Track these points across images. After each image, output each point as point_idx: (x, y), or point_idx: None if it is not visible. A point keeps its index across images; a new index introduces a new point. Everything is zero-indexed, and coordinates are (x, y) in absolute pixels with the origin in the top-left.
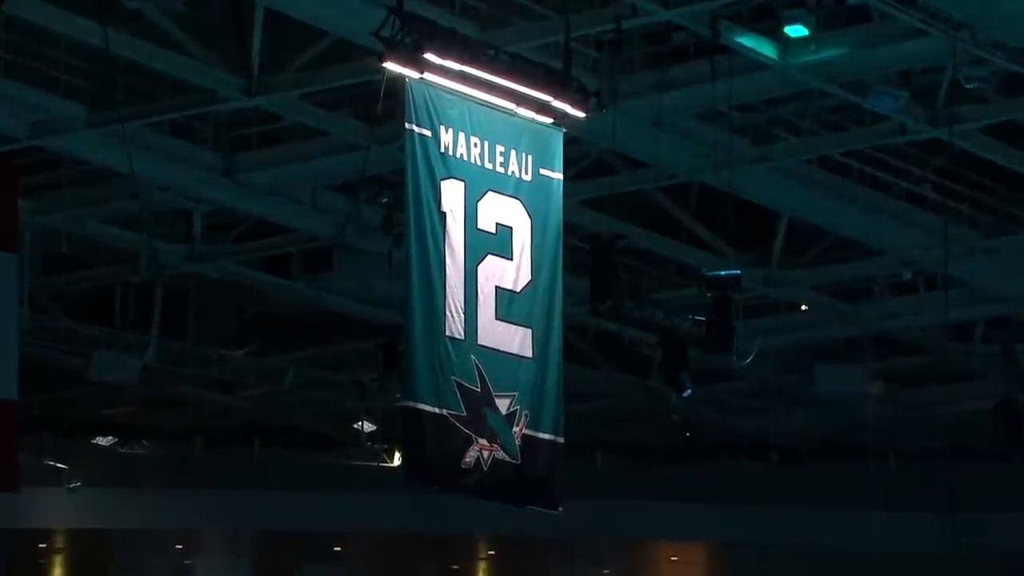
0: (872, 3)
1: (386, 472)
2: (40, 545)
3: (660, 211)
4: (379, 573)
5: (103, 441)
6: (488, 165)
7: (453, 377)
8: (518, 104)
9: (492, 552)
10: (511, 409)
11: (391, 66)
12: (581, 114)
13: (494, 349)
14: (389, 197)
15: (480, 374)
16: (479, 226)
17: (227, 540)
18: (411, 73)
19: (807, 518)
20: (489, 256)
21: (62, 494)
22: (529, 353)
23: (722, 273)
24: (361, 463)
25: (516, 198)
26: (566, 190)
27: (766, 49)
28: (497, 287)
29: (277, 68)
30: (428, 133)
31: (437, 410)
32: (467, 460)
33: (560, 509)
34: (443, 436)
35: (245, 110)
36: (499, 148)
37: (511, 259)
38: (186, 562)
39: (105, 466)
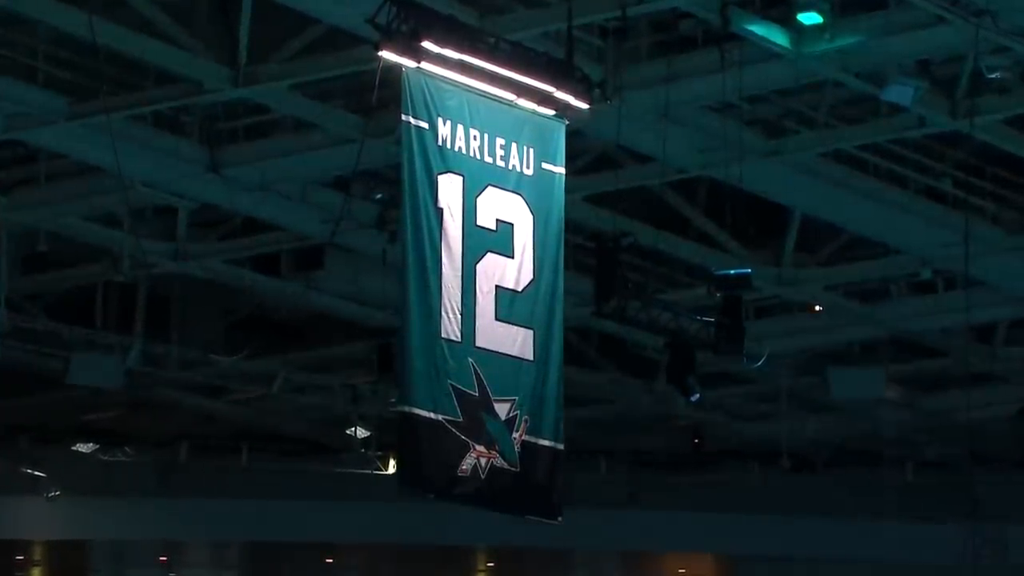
0: None
1: (380, 480)
2: (17, 557)
3: (667, 207)
4: None
5: (83, 448)
6: (488, 159)
7: (449, 381)
8: (519, 95)
9: (491, 564)
10: (511, 414)
11: (387, 55)
12: (584, 105)
13: (494, 351)
14: (384, 193)
15: (478, 378)
16: (478, 222)
17: (213, 551)
18: (408, 62)
19: (821, 528)
20: (489, 254)
21: (40, 503)
22: (530, 355)
23: (732, 272)
24: (354, 471)
25: (517, 193)
26: (569, 186)
27: (778, 38)
28: (498, 286)
29: (266, 57)
30: (425, 125)
31: (433, 416)
32: (464, 468)
33: (560, 519)
34: (439, 443)
35: (232, 102)
36: (499, 141)
37: (512, 257)
38: (170, 574)
39: (86, 474)
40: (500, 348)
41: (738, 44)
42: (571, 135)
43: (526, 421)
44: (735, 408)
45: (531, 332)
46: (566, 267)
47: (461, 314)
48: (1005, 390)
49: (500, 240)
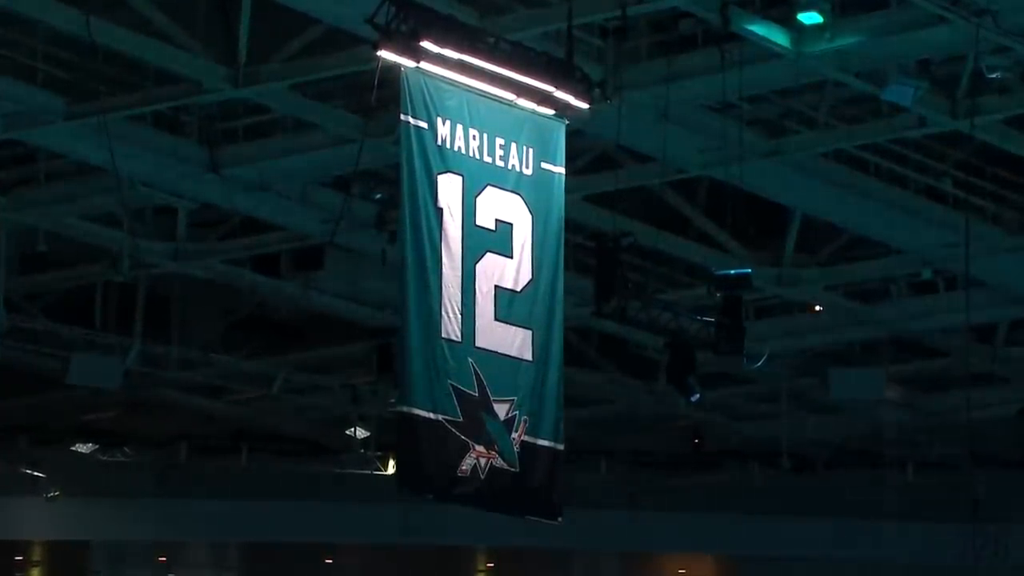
0: None
1: (380, 480)
2: (16, 557)
3: (667, 207)
4: None
5: (83, 448)
6: (487, 159)
7: (449, 381)
8: (519, 95)
9: (491, 564)
10: (510, 414)
11: (386, 54)
12: (584, 105)
13: (493, 351)
14: (383, 193)
15: (478, 378)
16: (478, 222)
17: (213, 551)
18: (407, 62)
19: (821, 529)
20: (488, 254)
21: (40, 504)
22: (529, 356)
23: (732, 272)
24: (354, 471)
25: (516, 193)
26: (569, 185)
27: (778, 37)
28: (497, 286)
29: (266, 58)
30: (424, 125)
31: (433, 416)
32: (464, 468)
33: (560, 519)
34: (439, 443)
35: (232, 102)
36: (499, 141)
37: (511, 257)
38: (170, 575)
39: (85, 474)
40: (499, 348)
41: (738, 44)
42: (571, 135)
43: (525, 421)
44: (735, 408)
45: (530, 332)
46: (566, 267)
47: (461, 314)
48: (1006, 390)
49: (499, 240)
